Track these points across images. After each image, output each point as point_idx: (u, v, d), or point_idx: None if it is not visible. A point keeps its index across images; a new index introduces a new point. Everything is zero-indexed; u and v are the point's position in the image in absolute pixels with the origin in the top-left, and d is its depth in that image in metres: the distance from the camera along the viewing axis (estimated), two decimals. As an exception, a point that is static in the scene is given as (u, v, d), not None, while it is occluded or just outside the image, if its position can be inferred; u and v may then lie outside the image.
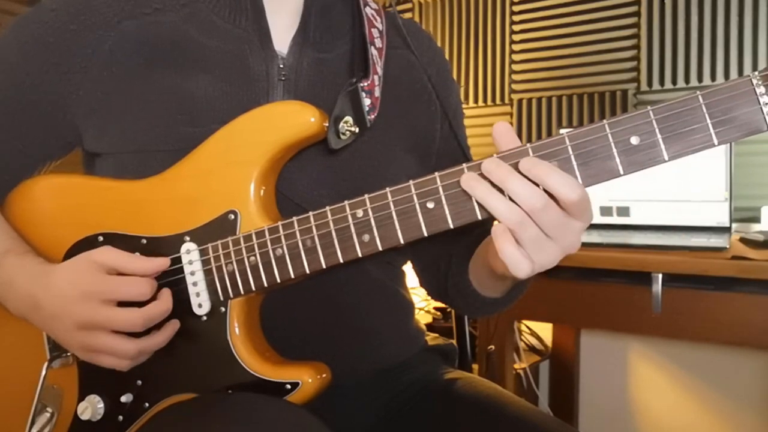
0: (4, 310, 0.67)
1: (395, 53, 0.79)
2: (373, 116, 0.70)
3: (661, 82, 1.81)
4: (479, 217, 0.57)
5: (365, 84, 0.70)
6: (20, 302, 0.65)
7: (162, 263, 0.64)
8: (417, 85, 0.81)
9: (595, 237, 1.51)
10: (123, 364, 0.62)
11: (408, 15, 2.31)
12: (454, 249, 0.78)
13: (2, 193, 0.73)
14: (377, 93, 0.72)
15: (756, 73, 0.51)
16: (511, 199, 0.53)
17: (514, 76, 2.08)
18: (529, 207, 0.52)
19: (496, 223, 0.55)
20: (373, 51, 0.74)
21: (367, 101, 0.69)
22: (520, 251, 0.53)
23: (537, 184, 0.53)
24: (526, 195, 0.52)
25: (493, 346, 1.59)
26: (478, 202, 0.56)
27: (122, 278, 0.62)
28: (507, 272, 0.57)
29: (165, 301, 0.63)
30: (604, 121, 0.54)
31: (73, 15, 0.70)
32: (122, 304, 0.61)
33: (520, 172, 0.54)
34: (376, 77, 0.72)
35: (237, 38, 0.72)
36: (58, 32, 0.69)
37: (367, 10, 0.78)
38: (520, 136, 1.98)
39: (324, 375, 0.64)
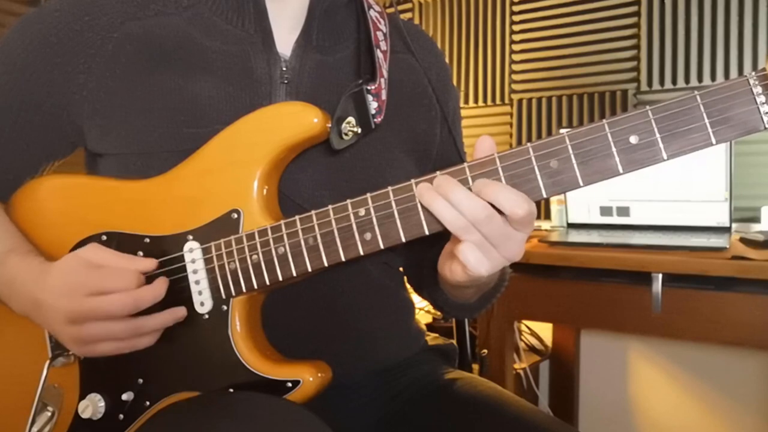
0: (7, 309, 0.68)
1: (397, 57, 0.79)
2: (379, 119, 0.71)
3: (661, 82, 1.81)
4: None
5: (372, 87, 0.70)
6: (22, 301, 0.66)
7: (148, 264, 0.64)
8: (418, 89, 0.81)
9: (595, 237, 1.51)
10: (122, 345, 0.62)
11: (408, 15, 2.31)
12: (432, 252, 0.79)
13: (6, 193, 0.73)
14: (384, 96, 0.72)
15: (753, 73, 0.51)
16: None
17: (514, 76, 2.08)
18: (473, 218, 0.55)
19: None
20: (379, 54, 0.74)
21: (374, 104, 0.70)
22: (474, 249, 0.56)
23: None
24: (470, 207, 0.55)
25: (485, 350, 1.59)
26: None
27: (106, 270, 0.62)
28: (452, 279, 0.60)
29: (157, 286, 0.63)
30: (604, 120, 0.55)
31: (76, 16, 0.70)
32: None
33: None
34: (382, 80, 0.72)
35: (240, 40, 0.72)
36: (61, 33, 0.70)
37: (371, 12, 0.78)
38: (519, 136, 1.99)
39: (325, 374, 0.64)
